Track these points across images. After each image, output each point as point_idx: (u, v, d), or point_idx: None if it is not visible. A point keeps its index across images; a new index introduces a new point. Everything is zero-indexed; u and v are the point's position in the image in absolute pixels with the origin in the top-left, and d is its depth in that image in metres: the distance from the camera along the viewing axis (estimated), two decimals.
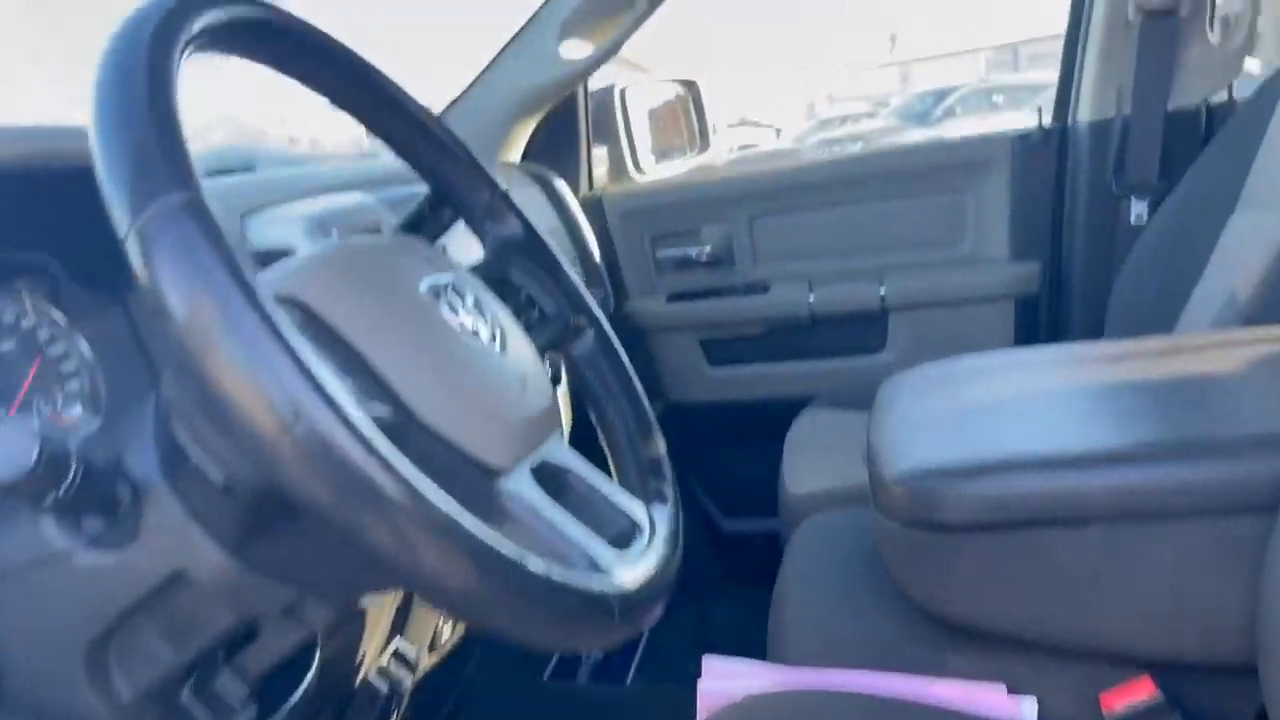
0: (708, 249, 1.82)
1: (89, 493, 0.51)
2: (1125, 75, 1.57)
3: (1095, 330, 1.62)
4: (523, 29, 1.63)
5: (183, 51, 0.48)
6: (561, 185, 1.71)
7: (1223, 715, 0.78)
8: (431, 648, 0.95)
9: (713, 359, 1.88)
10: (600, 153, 1.94)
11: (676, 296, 1.85)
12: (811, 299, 1.75)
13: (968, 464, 0.79)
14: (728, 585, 1.85)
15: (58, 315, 0.74)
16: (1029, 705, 0.81)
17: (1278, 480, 0.70)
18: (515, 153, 1.77)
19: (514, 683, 1.64)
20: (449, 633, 0.98)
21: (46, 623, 0.55)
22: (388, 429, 0.45)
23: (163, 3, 0.48)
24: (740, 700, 0.82)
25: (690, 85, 2.16)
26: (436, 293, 0.57)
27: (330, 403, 0.40)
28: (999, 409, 0.90)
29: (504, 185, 0.72)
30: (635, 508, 0.61)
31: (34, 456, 0.47)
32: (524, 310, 0.72)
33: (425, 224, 0.72)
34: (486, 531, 0.43)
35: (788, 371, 1.83)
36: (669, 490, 0.67)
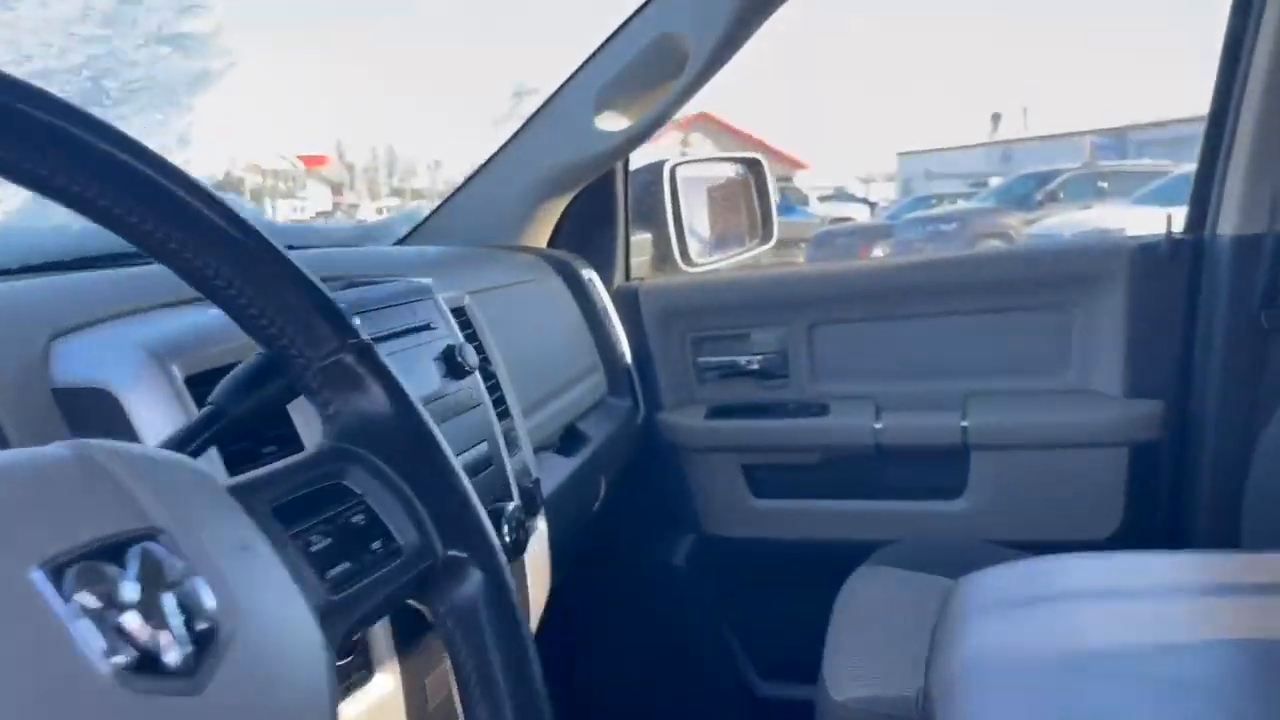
0: (758, 358, 1.63)
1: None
2: None
3: (1233, 494, 1.40)
4: (553, 96, 1.47)
5: None
6: (589, 274, 1.55)
7: None
8: None
9: (757, 489, 1.65)
10: (643, 240, 1.74)
11: (718, 411, 1.65)
12: (878, 426, 1.55)
13: None
14: None
15: None
16: None
17: None
18: (541, 237, 1.61)
19: None
20: None
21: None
22: None
23: None
24: None
25: (754, 163, 1.91)
26: (60, 574, 0.30)
27: None
28: (1089, 667, 0.83)
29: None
30: None
31: None
32: (355, 541, 0.45)
33: (232, 410, 0.47)
34: None
35: (845, 511, 1.61)
36: None
